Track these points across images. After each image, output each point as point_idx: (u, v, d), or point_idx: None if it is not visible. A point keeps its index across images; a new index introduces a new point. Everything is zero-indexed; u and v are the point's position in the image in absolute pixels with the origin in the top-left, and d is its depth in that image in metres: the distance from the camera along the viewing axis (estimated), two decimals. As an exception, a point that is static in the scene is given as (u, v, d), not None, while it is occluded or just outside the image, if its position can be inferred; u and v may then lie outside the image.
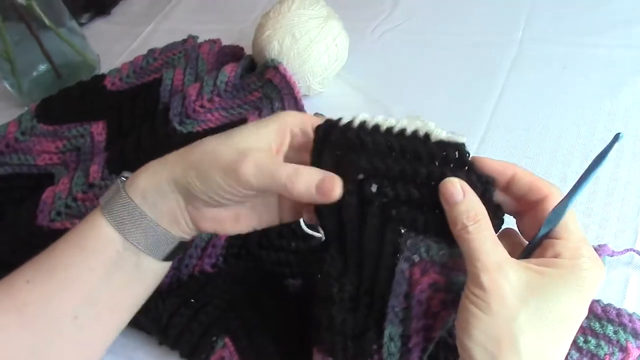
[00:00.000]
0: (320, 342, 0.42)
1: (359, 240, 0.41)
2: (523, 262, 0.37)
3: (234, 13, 0.98)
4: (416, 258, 0.39)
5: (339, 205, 0.41)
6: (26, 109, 0.77)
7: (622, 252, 0.53)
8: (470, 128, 0.69)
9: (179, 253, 0.47)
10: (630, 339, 0.45)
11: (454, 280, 0.39)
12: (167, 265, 0.47)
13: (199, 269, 0.58)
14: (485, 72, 0.76)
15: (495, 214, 0.39)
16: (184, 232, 0.45)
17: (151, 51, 0.83)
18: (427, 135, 0.39)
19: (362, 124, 0.40)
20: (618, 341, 0.45)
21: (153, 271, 0.46)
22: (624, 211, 0.58)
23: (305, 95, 0.76)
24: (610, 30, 0.78)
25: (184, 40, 0.85)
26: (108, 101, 0.77)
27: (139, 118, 0.76)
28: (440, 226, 0.39)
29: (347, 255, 0.42)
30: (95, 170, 0.66)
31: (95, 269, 0.43)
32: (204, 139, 0.43)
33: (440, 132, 0.39)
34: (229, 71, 0.75)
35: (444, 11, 0.88)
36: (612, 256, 0.53)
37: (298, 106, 0.72)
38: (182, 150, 0.44)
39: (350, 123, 0.41)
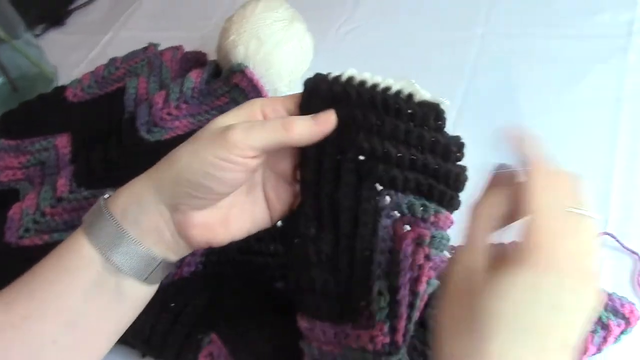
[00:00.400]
0: (304, 308, 0.42)
1: (333, 196, 0.41)
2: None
3: (192, 19, 0.97)
4: (397, 214, 0.40)
5: (319, 153, 0.42)
6: (-16, 124, 0.75)
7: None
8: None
9: (163, 275, 0.45)
10: (611, 317, 0.46)
11: (436, 235, 0.40)
12: (151, 289, 0.44)
13: (178, 278, 0.57)
14: (449, 69, 0.77)
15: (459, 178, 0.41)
16: (170, 249, 0.43)
17: (112, 60, 0.81)
18: (410, 95, 0.40)
19: (350, 79, 0.41)
20: (600, 319, 0.46)
21: (135, 294, 0.43)
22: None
23: (273, 98, 0.76)
24: (569, 21, 0.79)
25: (145, 48, 0.83)
26: (71, 113, 0.76)
27: (104, 129, 0.74)
28: (418, 185, 0.40)
29: (322, 214, 0.42)
30: (63, 183, 0.64)
31: (75, 289, 0.41)
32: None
33: (424, 94, 0.40)
34: (195, 77, 0.74)
35: (404, 9, 0.88)
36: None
37: (267, 109, 0.72)
38: (162, 159, 0.42)
39: (338, 77, 0.42)
